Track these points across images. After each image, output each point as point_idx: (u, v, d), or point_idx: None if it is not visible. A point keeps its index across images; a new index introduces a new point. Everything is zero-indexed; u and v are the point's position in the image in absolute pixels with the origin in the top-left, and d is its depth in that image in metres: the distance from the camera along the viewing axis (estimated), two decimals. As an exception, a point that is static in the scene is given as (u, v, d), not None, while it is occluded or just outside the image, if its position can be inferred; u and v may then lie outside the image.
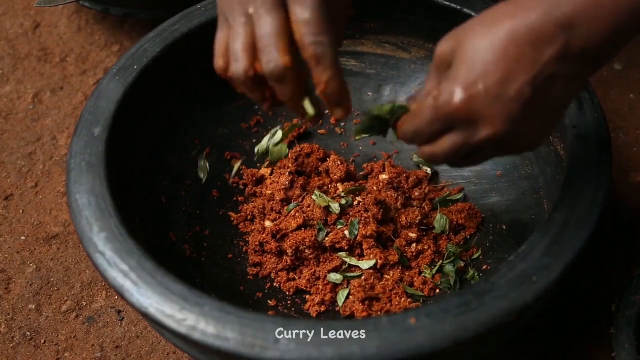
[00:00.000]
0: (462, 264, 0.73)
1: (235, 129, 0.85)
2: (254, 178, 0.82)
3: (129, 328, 0.77)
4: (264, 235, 0.75)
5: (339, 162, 0.79)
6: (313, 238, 0.73)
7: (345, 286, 0.72)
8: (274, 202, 0.78)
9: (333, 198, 0.76)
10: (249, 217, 0.79)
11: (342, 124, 0.87)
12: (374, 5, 0.81)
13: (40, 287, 0.81)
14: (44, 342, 0.76)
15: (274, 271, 0.74)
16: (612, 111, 0.94)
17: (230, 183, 0.82)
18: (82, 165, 0.65)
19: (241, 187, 0.82)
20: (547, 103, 0.50)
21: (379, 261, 0.72)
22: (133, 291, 0.56)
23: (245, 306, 0.57)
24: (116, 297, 0.79)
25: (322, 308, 0.71)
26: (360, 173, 0.82)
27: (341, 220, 0.75)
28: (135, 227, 0.66)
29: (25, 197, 0.89)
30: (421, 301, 0.71)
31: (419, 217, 0.75)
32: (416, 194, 0.78)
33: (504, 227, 0.75)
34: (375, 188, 0.77)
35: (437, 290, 0.72)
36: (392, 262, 0.73)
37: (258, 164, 0.84)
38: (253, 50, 0.54)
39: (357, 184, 0.78)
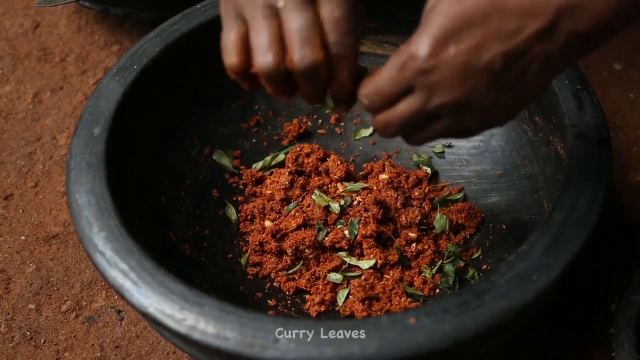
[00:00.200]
0: (462, 263, 0.73)
1: (235, 129, 0.85)
2: (253, 178, 0.82)
3: (129, 328, 0.77)
4: (264, 235, 0.75)
5: (339, 162, 0.79)
6: (313, 238, 0.73)
7: (345, 286, 0.72)
8: (274, 202, 0.78)
9: (333, 198, 0.76)
10: (249, 217, 0.79)
11: (342, 124, 0.87)
12: (374, 5, 0.81)
13: (40, 287, 0.81)
14: (44, 342, 0.76)
15: (274, 271, 0.74)
16: (612, 111, 0.94)
17: (230, 183, 0.82)
18: (82, 165, 0.65)
19: (241, 187, 0.82)
20: (519, 81, 0.48)
21: (379, 261, 0.72)
22: (133, 291, 0.56)
23: (245, 306, 0.57)
24: (116, 297, 0.79)
25: (322, 308, 0.71)
26: (360, 173, 0.82)
27: (341, 220, 0.75)
28: (135, 227, 0.66)
29: (25, 197, 0.89)
30: (421, 301, 0.71)
31: (419, 217, 0.75)
32: (416, 194, 0.78)
33: (504, 227, 0.75)
34: (375, 188, 0.77)
35: (437, 290, 0.72)
36: (392, 262, 0.73)
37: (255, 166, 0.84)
38: (281, 44, 0.52)
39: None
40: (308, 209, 0.76)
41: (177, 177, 0.79)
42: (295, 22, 0.51)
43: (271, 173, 0.82)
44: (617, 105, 0.95)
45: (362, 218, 0.73)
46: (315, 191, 0.77)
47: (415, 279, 0.72)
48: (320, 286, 0.72)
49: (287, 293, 0.73)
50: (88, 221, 0.61)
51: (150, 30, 0.77)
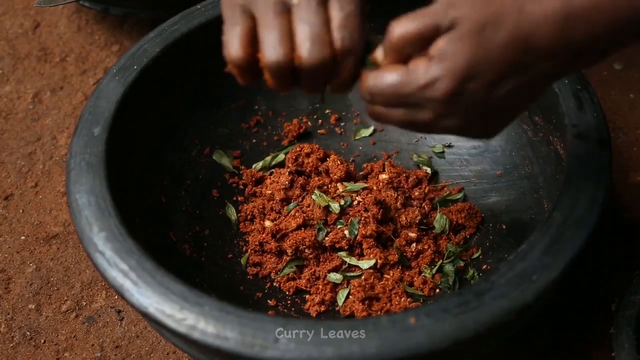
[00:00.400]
0: (462, 263, 0.73)
1: (235, 129, 0.85)
2: (253, 178, 0.82)
3: (129, 328, 0.77)
4: (264, 235, 0.75)
5: (339, 162, 0.79)
6: (313, 238, 0.73)
7: (345, 286, 0.72)
8: (274, 202, 0.78)
9: (333, 198, 0.76)
10: (249, 217, 0.79)
11: (342, 124, 0.87)
12: (376, 4, 0.81)
13: (40, 287, 0.81)
14: (44, 342, 0.76)
15: (274, 271, 0.74)
16: (612, 111, 0.94)
17: (230, 183, 0.82)
18: (82, 165, 0.65)
19: (241, 187, 0.82)
20: (516, 97, 0.50)
21: (379, 261, 0.72)
22: (133, 291, 0.56)
23: (245, 306, 0.57)
24: (116, 297, 0.79)
25: (322, 308, 0.71)
26: (360, 173, 0.82)
27: (341, 220, 0.75)
28: (135, 227, 0.66)
29: (25, 197, 0.89)
30: (421, 301, 0.71)
31: (419, 217, 0.75)
32: (416, 194, 0.78)
33: (504, 227, 0.75)
34: (375, 188, 0.77)
35: (437, 290, 0.72)
36: (392, 262, 0.73)
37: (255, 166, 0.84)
38: (291, 39, 0.53)
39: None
40: (308, 209, 0.76)
41: (177, 177, 0.79)
42: (307, 18, 0.52)
43: (271, 173, 0.82)
44: (617, 105, 0.95)
45: (362, 218, 0.73)
46: (315, 191, 0.77)
47: (415, 279, 0.72)
48: (320, 286, 0.72)
49: (287, 293, 0.73)
50: (88, 221, 0.61)
51: (150, 30, 0.77)
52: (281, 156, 0.83)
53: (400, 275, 0.72)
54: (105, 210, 0.61)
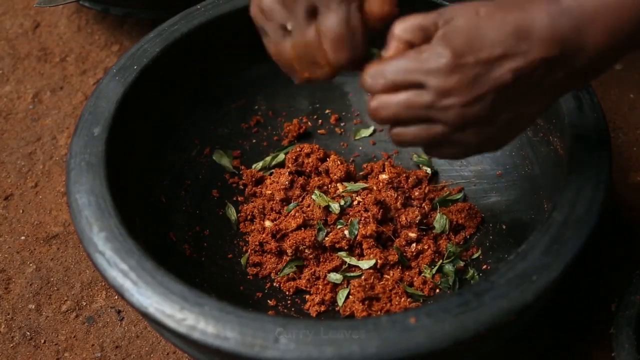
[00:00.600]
0: (462, 264, 0.73)
1: (235, 129, 0.85)
2: (254, 178, 0.82)
3: (129, 328, 0.77)
4: (264, 235, 0.75)
5: (339, 162, 0.79)
6: (313, 238, 0.73)
7: (345, 286, 0.72)
8: (274, 202, 0.78)
9: (333, 198, 0.76)
10: (249, 217, 0.79)
11: (342, 124, 0.87)
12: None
13: (40, 287, 0.81)
14: (44, 342, 0.76)
15: (274, 271, 0.74)
16: (612, 111, 0.94)
17: (230, 183, 0.82)
18: (82, 165, 0.65)
19: (241, 187, 0.82)
20: (521, 100, 0.51)
21: (379, 261, 0.72)
22: (133, 291, 0.56)
23: (245, 306, 0.57)
24: (116, 297, 0.79)
25: (322, 308, 0.71)
26: (360, 173, 0.82)
27: (341, 220, 0.75)
28: (135, 227, 0.66)
29: (25, 197, 0.89)
30: (421, 301, 0.71)
31: (419, 217, 0.75)
32: (416, 194, 0.78)
33: (504, 227, 0.75)
34: (375, 188, 0.77)
35: (437, 290, 0.72)
36: (392, 262, 0.73)
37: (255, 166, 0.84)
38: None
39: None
40: (308, 209, 0.76)
41: (177, 177, 0.79)
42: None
43: (271, 173, 0.82)
44: (617, 105, 0.95)
45: (362, 218, 0.73)
46: (315, 191, 0.77)
47: (415, 279, 0.72)
48: (320, 286, 0.72)
49: (287, 293, 0.73)
50: (88, 221, 0.61)
51: (150, 30, 0.77)
52: (281, 156, 0.83)
53: (400, 276, 0.72)
54: (105, 210, 0.61)
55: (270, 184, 0.80)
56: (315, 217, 0.75)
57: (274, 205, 0.77)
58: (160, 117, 0.78)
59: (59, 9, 1.13)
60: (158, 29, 0.77)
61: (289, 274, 0.74)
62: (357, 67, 0.56)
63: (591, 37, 0.49)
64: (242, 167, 0.83)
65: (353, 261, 0.73)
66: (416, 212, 0.75)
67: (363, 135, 0.86)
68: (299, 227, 0.74)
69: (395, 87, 0.52)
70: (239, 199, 0.81)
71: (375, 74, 0.52)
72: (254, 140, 0.85)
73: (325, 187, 0.78)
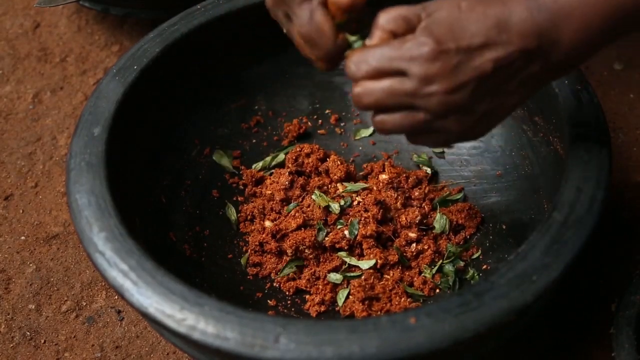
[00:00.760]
0: (462, 264, 0.73)
1: (235, 129, 0.85)
2: (253, 178, 0.82)
3: (129, 328, 0.77)
4: (264, 236, 0.75)
5: (339, 163, 0.79)
6: (313, 238, 0.73)
7: (345, 286, 0.72)
8: (274, 202, 0.78)
9: (333, 198, 0.76)
10: (249, 217, 0.79)
11: (342, 124, 0.87)
12: (374, 4, 0.81)
13: (40, 287, 0.81)
14: (44, 342, 0.76)
15: (274, 271, 0.74)
16: (612, 111, 0.94)
17: (230, 183, 0.82)
18: (82, 165, 0.65)
19: (241, 187, 0.82)
20: (501, 90, 0.52)
21: (379, 261, 0.72)
22: (133, 291, 0.56)
23: (245, 306, 0.57)
24: (116, 297, 0.79)
25: (322, 308, 0.71)
26: (360, 173, 0.82)
27: (341, 220, 0.75)
28: (135, 227, 0.66)
29: (25, 197, 0.89)
30: (421, 301, 0.71)
31: (419, 217, 0.75)
32: (416, 194, 0.78)
33: (504, 227, 0.75)
34: (375, 188, 0.77)
35: (437, 290, 0.72)
36: (392, 262, 0.73)
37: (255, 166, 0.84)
38: None
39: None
40: (308, 209, 0.76)
41: (177, 177, 0.79)
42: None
43: (271, 173, 0.82)
44: (617, 105, 0.95)
45: (362, 218, 0.73)
46: (315, 191, 0.77)
47: (415, 279, 0.72)
48: (320, 286, 0.72)
49: (287, 293, 0.73)
50: (88, 221, 0.61)
51: (150, 30, 0.77)
52: (281, 156, 0.83)
53: (400, 276, 0.72)
54: (105, 210, 0.61)
55: (270, 184, 0.80)
56: (315, 217, 0.75)
57: (274, 205, 0.77)
58: (160, 117, 0.78)
59: (59, 9, 1.13)
60: (158, 29, 0.77)
61: (289, 274, 0.74)
62: (342, 58, 0.58)
63: (566, 33, 0.51)
64: (242, 167, 0.83)
65: (353, 261, 0.73)
66: (416, 212, 0.75)
67: (363, 135, 0.86)
68: (299, 227, 0.74)
69: (379, 74, 0.53)
70: (239, 199, 0.81)
71: (359, 60, 0.53)
72: (254, 141, 0.85)
73: (325, 187, 0.78)
